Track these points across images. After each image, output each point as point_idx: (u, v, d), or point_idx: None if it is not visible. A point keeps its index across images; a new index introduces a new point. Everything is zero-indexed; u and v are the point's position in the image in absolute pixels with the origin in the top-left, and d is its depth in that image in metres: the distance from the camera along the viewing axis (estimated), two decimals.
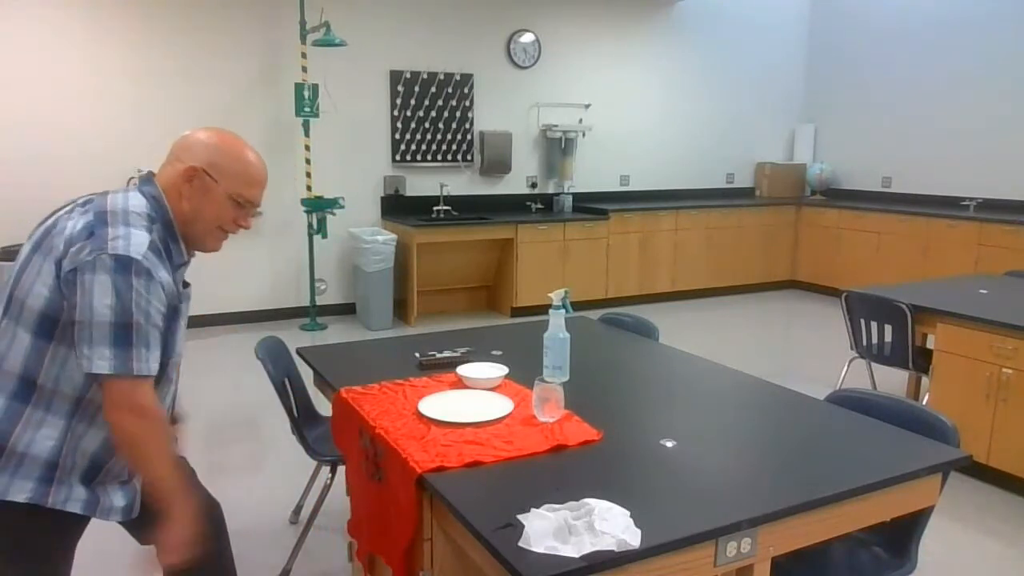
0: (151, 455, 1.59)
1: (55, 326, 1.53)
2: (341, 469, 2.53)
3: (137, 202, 1.60)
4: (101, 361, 1.49)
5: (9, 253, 5.19)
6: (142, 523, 1.80)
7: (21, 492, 1.54)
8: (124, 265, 1.50)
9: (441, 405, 2.05)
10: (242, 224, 1.72)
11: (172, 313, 1.63)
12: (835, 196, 8.22)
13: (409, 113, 6.67)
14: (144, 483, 1.68)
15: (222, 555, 2.01)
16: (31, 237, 1.62)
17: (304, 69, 5.93)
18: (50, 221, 1.61)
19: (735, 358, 3.51)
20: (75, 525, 1.65)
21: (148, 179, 1.68)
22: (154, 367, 1.56)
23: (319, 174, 6.20)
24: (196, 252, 1.76)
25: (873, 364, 4.17)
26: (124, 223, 1.55)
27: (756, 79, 8.38)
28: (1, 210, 5.38)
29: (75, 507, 1.60)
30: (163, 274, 1.57)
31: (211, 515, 1.99)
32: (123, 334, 1.50)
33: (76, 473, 1.60)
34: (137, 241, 1.53)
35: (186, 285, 1.76)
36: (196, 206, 1.65)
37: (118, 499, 1.68)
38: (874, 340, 4.02)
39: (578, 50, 7.38)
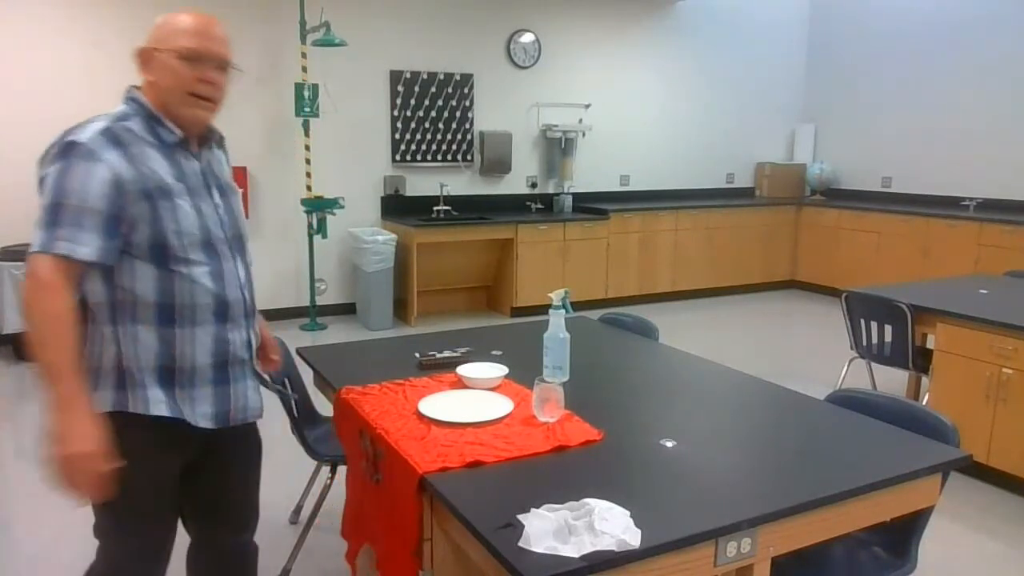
0: (29, 323, 1.52)
1: None
2: (341, 469, 2.53)
3: (113, 109, 1.67)
4: (34, 242, 1.54)
5: (9, 253, 5.19)
6: (187, 513, 1.87)
7: (104, 403, 1.62)
8: (67, 149, 1.56)
9: (441, 405, 2.05)
10: (206, 79, 1.69)
11: (160, 192, 1.62)
12: (835, 196, 8.22)
13: (409, 113, 6.67)
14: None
15: None
16: None
17: (304, 69, 5.93)
18: None
19: (735, 358, 3.51)
20: (176, 430, 1.68)
21: (130, 89, 1.73)
22: (82, 251, 1.53)
23: (319, 174, 6.20)
24: (216, 134, 1.81)
25: (873, 364, 4.17)
26: (83, 124, 1.62)
27: (756, 79, 8.38)
28: (1, 210, 5.38)
29: (159, 409, 1.65)
30: (112, 156, 1.57)
31: (244, 555, 2.02)
32: (52, 214, 1.54)
33: (148, 376, 1.65)
34: (89, 129, 1.59)
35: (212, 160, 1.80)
36: (158, 83, 1.68)
37: (204, 405, 1.71)
38: (874, 340, 4.02)
39: (578, 50, 7.38)
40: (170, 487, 1.77)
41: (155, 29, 1.70)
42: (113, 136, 1.60)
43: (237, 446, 1.90)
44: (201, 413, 1.71)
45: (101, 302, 1.63)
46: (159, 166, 1.64)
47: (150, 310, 1.64)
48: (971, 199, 7.02)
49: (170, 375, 1.67)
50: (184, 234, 1.65)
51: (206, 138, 1.79)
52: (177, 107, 1.68)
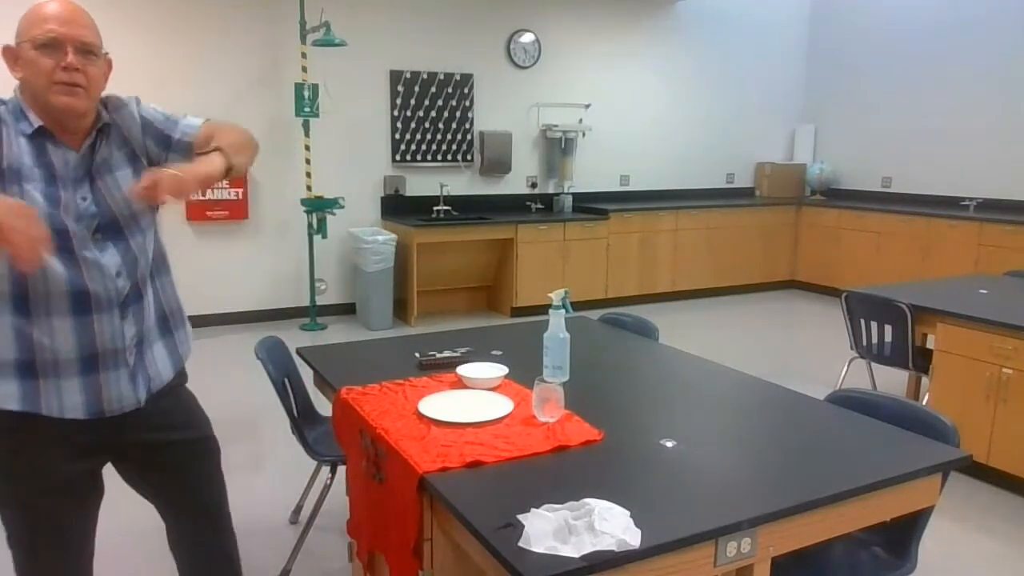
0: None
1: None
2: (341, 469, 2.53)
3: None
4: None
5: None
6: (157, 500, 1.88)
7: None
8: None
9: (441, 405, 2.05)
10: (66, 65, 1.63)
11: (12, 173, 1.59)
12: (835, 196, 8.22)
13: (409, 113, 6.67)
14: None
15: None
16: None
17: (304, 69, 5.93)
18: None
19: (735, 358, 3.51)
20: (44, 421, 1.66)
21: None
22: None
23: (319, 174, 6.20)
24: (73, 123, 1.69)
25: (873, 364, 4.17)
26: None
27: (756, 79, 8.38)
28: None
29: (8, 404, 1.63)
30: None
31: (223, 553, 2.01)
32: None
33: (5, 368, 1.63)
34: None
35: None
36: (23, 77, 1.65)
37: (73, 396, 1.67)
38: (874, 340, 4.02)
39: (578, 50, 7.38)
40: (54, 478, 1.72)
41: (18, 25, 1.66)
42: None
43: (178, 443, 1.88)
44: (70, 405, 1.67)
45: None
46: (23, 151, 1.62)
47: (5, 300, 1.62)
48: (971, 199, 7.02)
49: (31, 367, 1.64)
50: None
51: (92, 128, 1.71)
52: (46, 98, 1.64)
